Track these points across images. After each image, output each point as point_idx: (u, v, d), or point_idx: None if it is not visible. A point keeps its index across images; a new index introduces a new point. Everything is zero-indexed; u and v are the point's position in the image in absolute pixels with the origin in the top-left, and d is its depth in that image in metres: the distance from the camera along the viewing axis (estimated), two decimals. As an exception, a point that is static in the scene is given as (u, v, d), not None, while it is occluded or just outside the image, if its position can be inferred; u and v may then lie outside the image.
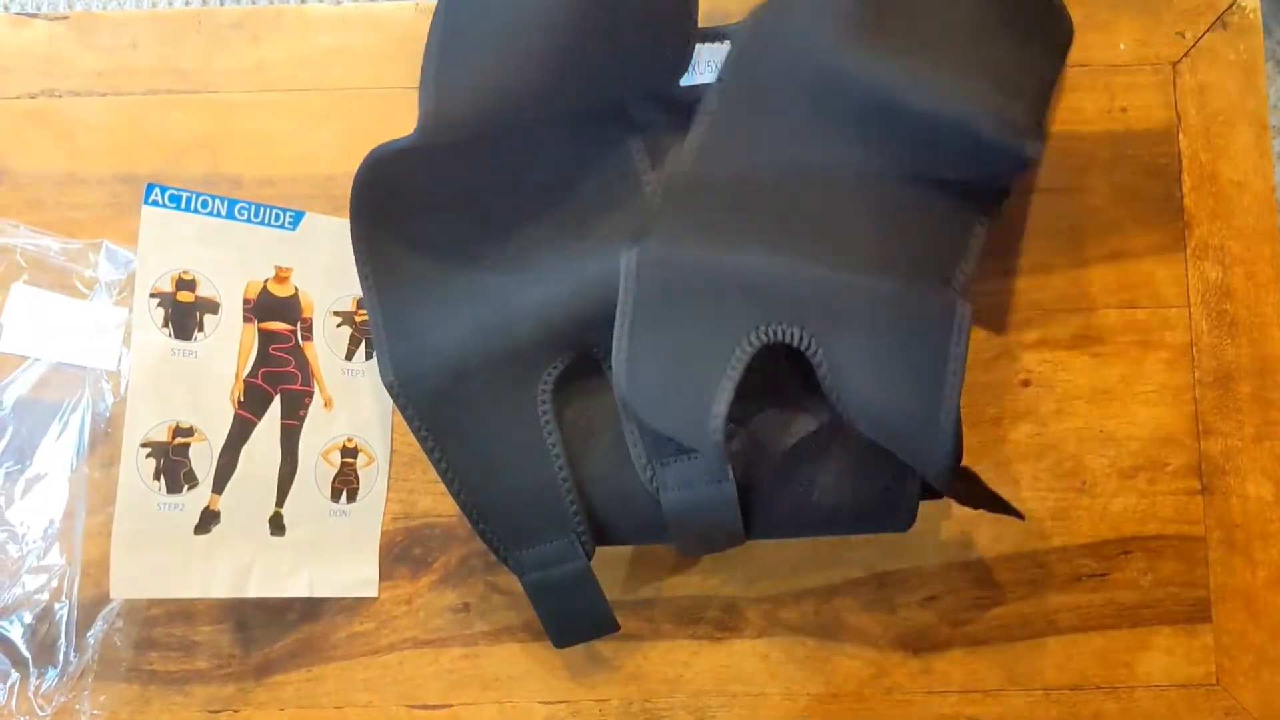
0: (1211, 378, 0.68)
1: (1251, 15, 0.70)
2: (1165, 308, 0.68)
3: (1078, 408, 0.68)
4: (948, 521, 0.67)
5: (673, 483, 0.59)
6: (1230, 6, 0.70)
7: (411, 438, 0.67)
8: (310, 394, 0.67)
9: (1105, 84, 0.69)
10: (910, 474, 0.60)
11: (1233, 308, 0.68)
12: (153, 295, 0.65)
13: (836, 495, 0.61)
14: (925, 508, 0.67)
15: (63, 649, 0.64)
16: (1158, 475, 0.68)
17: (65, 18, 0.70)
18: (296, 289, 0.67)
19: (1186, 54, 0.70)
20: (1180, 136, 0.69)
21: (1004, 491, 0.67)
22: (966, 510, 0.67)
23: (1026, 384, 0.68)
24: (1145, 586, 0.67)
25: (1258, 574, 0.67)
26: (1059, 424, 0.68)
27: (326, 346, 0.67)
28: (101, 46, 0.70)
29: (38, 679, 0.64)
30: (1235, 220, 0.69)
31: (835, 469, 0.60)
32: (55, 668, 0.64)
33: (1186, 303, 0.68)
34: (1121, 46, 0.70)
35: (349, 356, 0.67)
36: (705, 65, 0.64)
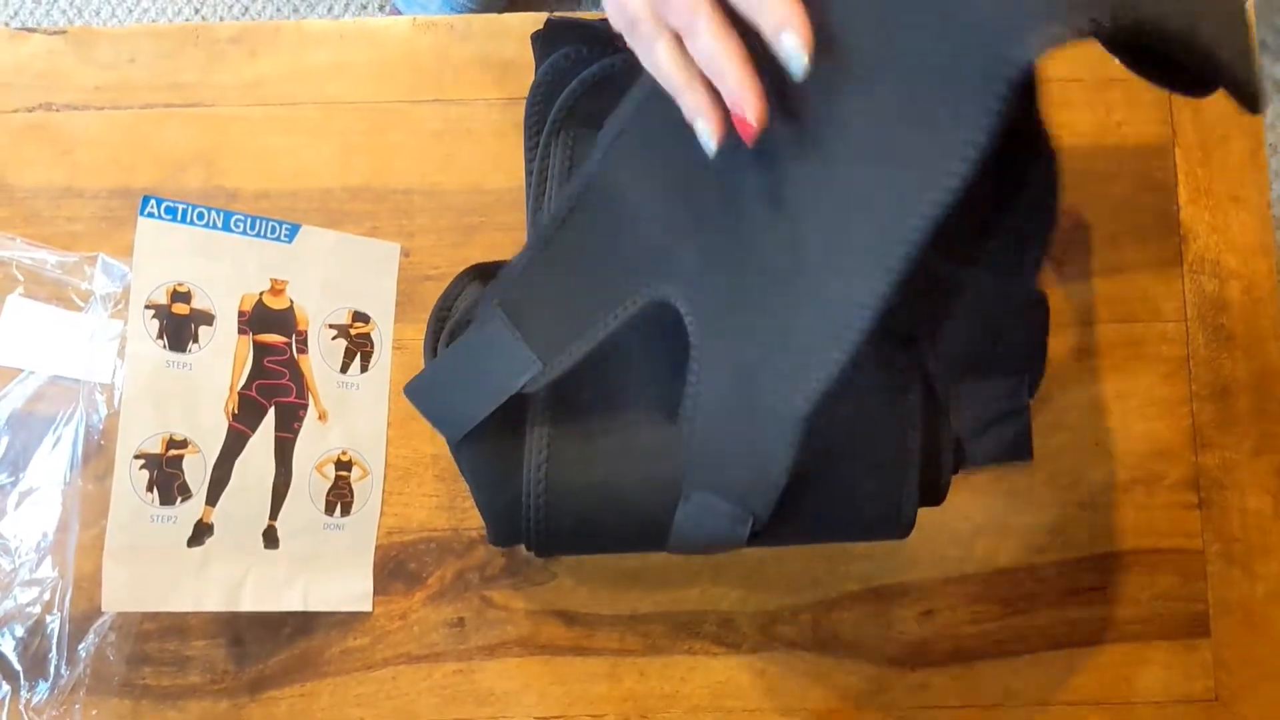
0: (1208, 391, 0.68)
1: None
2: (1162, 321, 0.68)
3: (1074, 421, 0.68)
4: (945, 535, 0.67)
5: (695, 504, 0.59)
6: (1225, 22, 0.70)
7: (406, 451, 0.67)
8: (305, 407, 0.66)
9: (1102, 99, 0.70)
10: (908, 481, 0.60)
11: (1229, 321, 0.68)
12: (148, 307, 0.65)
13: (833, 503, 0.60)
14: (922, 519, 0.67)
15: (54, 662, 0.64)
16: (1155, 489, 0.67)
17: (64, 32, 0.70)
18: (292, 301, 0.67)
19: (1181, 69, 0.70)
20: (1176, 151, 0.70)
21: (999, 504, 0.67)
22: (964, 524, 0.67)
23: (1023, 397, 0.68)
24: (1144, 601, 0.67)
25: (1257, 588, 0.67)
26: (1056, 437, 0.68)
27: (321, 359, 0.67)
28: (100, 61, 0.70)
29: (29, 692, 0.64)
30: (1231, 234, 0.69)
31: (832, 476, 0.60)
32: (46, 681, 0.64)
33: (1183, 317, 0.68)
34: (1117, 61, 0.70)
35: (344, 369, 0.67)
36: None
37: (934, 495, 0.61)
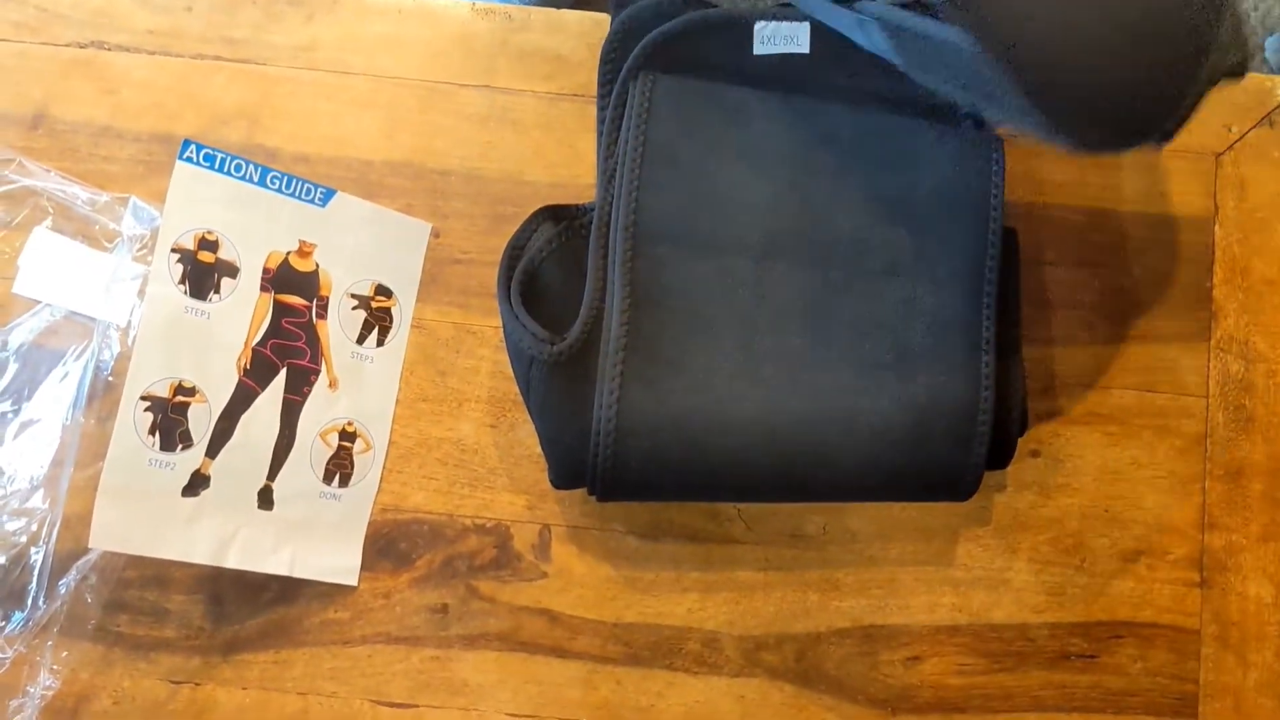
0: (1222, 471, 0.67)
1: (1300, 117, 0.70)
2: (1184, 396, 0.68)
3: (1084, 484, 0.67)
4: (942, 582, 0.66)
5: None
6: (1279, 106, 0.70)
7: (412, 431, 0.67)
8: (317, 372, 0.66)
9: (1147, 165, 0.69)
10: (975, 441, 0.60)
11: (1251, 404, 0.68)
12: (174, 250, 0.65)
13: (896, 458, 0.60)
14: (921, 565, 0.66)
15: (32, 594, 0.63)
16: (1158, 562, 0.67)
17: (126, -27, 0.70)
18: (318, 265, 0.67)
19: (1231, 147, 0.70)
20: (1216, 227, 0.69)
21: (1000, 559, 0.66)
22: (962, 574, 0.66)
23: (1035, 454, 0.67)
24: (1134, 674, 0.66)
25: (1249, 675, 0.66)
26: (1063, 498, 0.67)
27: (339, 327, 0.66)
28: (156, 5, 0.70)
29: (2, 621, 0.63)
30: (1263, 317, 0.68)
31: (897, 432, 0.60)
32: (22, 612, 0.63)
33: (1206, 393, 0.68)
34: (1167, 131, 0.70)
35: (360, 341, 0.67)
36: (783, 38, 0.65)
37: (1002, 454, 0.62)
